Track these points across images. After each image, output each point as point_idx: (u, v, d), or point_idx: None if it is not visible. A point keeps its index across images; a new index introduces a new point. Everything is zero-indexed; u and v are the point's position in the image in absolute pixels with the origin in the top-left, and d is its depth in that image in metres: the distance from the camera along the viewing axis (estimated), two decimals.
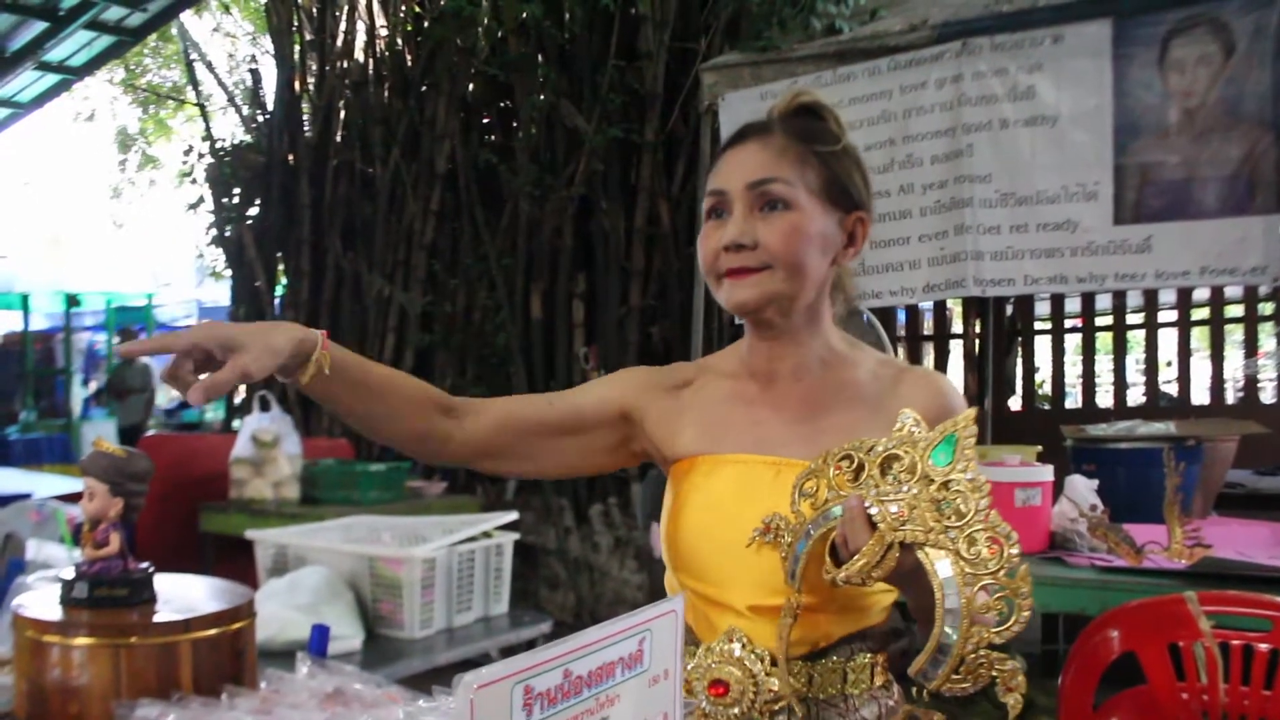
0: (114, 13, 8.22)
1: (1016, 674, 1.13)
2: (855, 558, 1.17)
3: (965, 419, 1.18)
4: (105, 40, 8.76)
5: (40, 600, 1.43)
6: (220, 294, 10.93)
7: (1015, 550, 1.12)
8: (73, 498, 3.14)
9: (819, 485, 1.26)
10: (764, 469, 1.41)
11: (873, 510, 1.17)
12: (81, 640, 1.32)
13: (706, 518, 1.42)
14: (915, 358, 7.33)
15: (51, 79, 9.35)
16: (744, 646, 1.35)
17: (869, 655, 1.41)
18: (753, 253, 1.38)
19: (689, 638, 1.45)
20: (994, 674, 1.13)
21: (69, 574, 1.42)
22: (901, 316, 7.24)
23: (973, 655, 1.12)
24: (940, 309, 7.48)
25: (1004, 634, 1.11)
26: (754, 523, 1.32)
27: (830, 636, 1.39)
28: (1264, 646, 1.85)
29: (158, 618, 1.38)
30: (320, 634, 1.62)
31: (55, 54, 8.61)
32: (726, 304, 1.42)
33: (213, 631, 1.38)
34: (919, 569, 1.15)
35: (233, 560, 3.64)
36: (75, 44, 8.63)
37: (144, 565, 1.44)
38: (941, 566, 1.13)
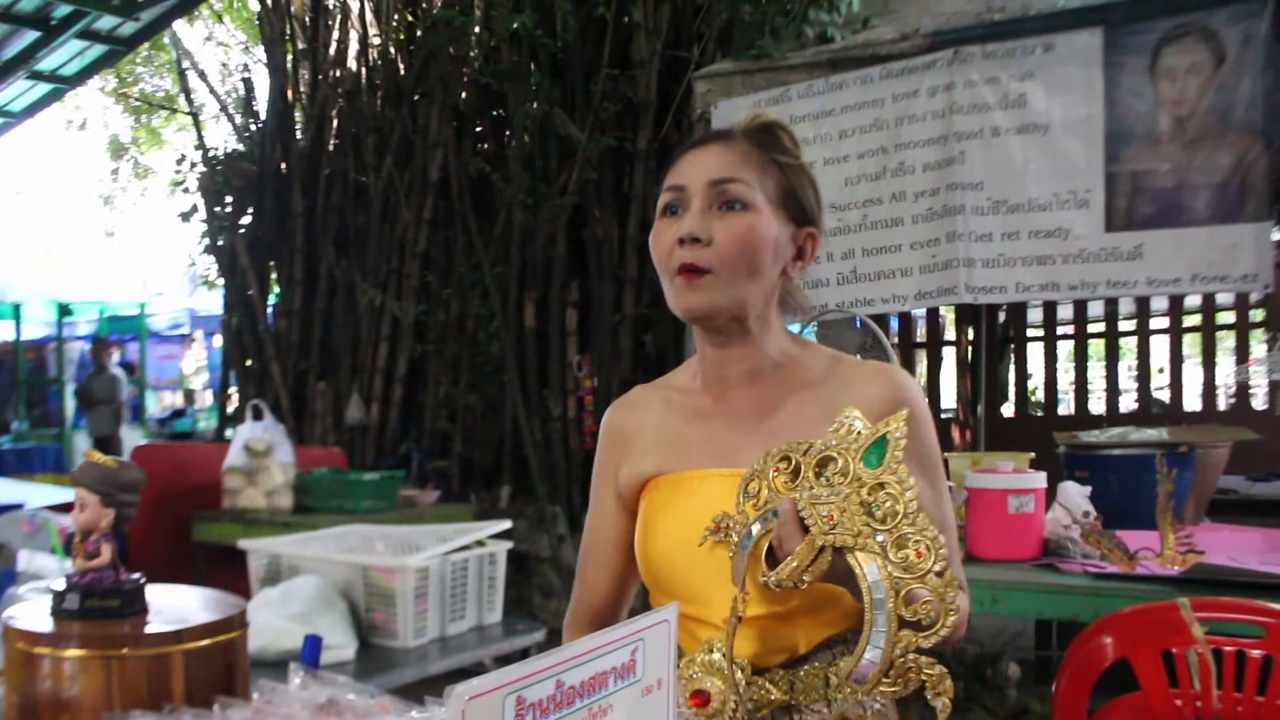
0: (106, 22, 8.19)
1: (945, 678, 1.14)
2: (786, 560, 1.18)
3: (897, 419, 1.18)
4: (97, 49, 8.74)
5: (31, 611, 1.42)
6: (213, 303, 10.89)
7: (943, 554, 1.12)
8: (65, 508, 3.13)
9: (761, 486, 1.26)
10: (724, 481, 1.40)
11: (804, 513, 1.17)
12: (73, 652, 1.31)
13: (674, 536, 1.43)
14: (908, 365, 7.33)
15: (43, 88, 9.33)
16: (724, 656, 1.35)
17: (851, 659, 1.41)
18: (706, 249, 1.39)
19: None
20: (922, 677, 1.14)
21: (60, 585, 1.42)
22: (894, 324, 7.25)
23: (901, 659, 1.13)
24: (933, 316, 7.50)
25: (931, 638, 1.12)
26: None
27: (808, 642, 1.39)
28: (1257, 653, 1.85)
29: (149, 629, 1.37)
30: (312, 644, 1.62)
31: (47, 63, 8.58)
32: (677, 308, 1.44)
33: (205, 642, 1.37)
34: (850, 572, 1.15)
35: (226, 570, 3.63)
36: (67, 53, 8.61)
37: (135, 576, 1.44)
38: (870, 570, 1.13)
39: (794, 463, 1.23)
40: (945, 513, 1.45)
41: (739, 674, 1.33)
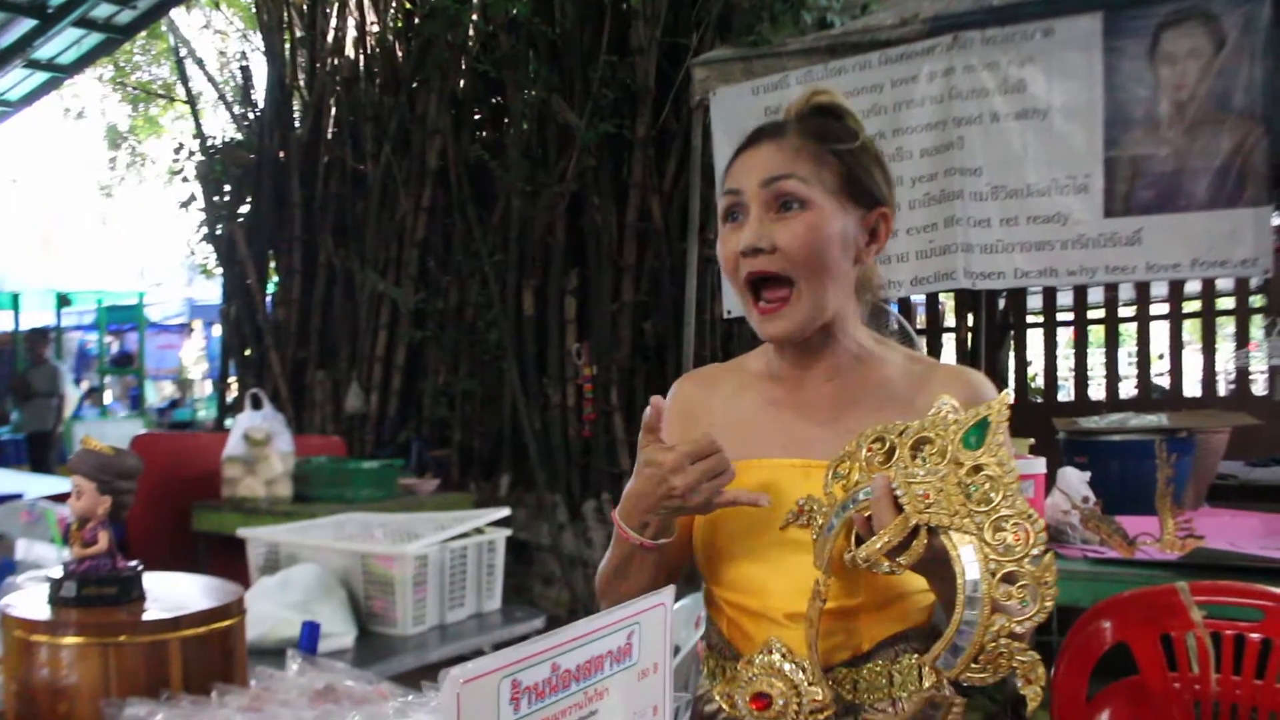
0: (103, 10, 8.17)
1: (1036, 665, 1.10)
2: (876, 537, 1.15)
3: (999, 403, 1.16)
4: (95, 38, 8.72)
5: (28, 599, 1.42)
6: (211, 292, 10.87)
7: (1041, 538, 1.09)
8: (64, 498, 3.13)
9: (851, 467, 1.25)
10: (793, 472, 1.39)
11: (899, 491, 1.15)
12: (70, 639, 1.31)
13: (736, 525, 1.41)
14: None
15: (40, 77, 9.31)
16: (784, 656, 1.33)
17: (914, 656, 1.38)
18: (770, 256, 1.36)
19: (727, 652, 1.43)
20: (1014, 664, 1.10)
21: (57, 573, 1.42)
22: (894, 310, 7.23)
23: (993, 644, 1.10)
24: (933, 303, 7.49)
25: (1026, 623, 1.09)
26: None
27: (872, 639, 1.37)
28: (1256, 636, 1.85)
29: (147, 616, 1.37)
30: (310, 631, 1.62)
31: (44, 52, 8.57)
32: (764, 336, 1.42)
33: (202, 629, 1.37)
34: (943, 554, 1.13)
35: (226, 559, 3.63)
36: (64, 41, 8.60)
37: (133, 563, 1.44)
38: (965, 551, 1.11)
39: (888, 443, 1.21)
40: None
41: (802, 673, 1.31)
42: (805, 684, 1.30)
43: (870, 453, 1.23)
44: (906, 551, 1.15)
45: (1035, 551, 1.09)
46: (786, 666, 1.31)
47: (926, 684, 1.38)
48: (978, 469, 1.13)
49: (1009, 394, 1.17)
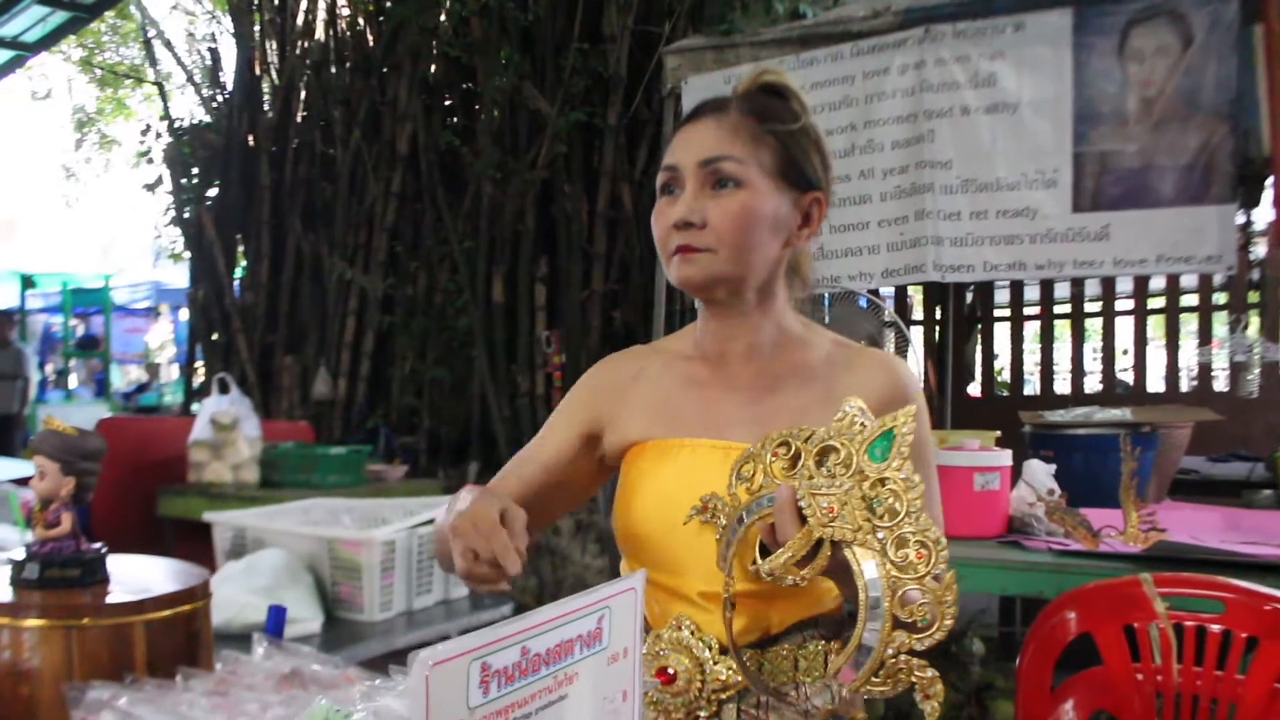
0: None
1: (935, 681, 1.12)
2: (781, 550, 1.15)
3: (905, 415, 1.14)
4: (60, 15, 8.63)
5: None
6: (178, 276, 10.74)
7: (944, 557, 1.09)
8: (27, 481, 3.10)
9: (756, 470, 1.24)
10: (713, 453, 1.39)
11: (804, 503, 1.14)
12: (32, 621, 1.30)
13: (656, 503, 1.41)
14: (875, 344, 7.36)
15: (4, 55, 9.20)
16: (693, 634, 1.34)
17: (822, 642, 1.40)
18: (700, 232, 1.38)
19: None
20: (913, 680, 1.11)
21: (20, 555, 1.40)
22: (862, 303, 7.26)
23: (892, 659, 1.11)
24: (901, 296, 7.52)
25: (925, 640, 1.10)
26: None
27: (781, 623, 1.38)
28: (1216, 628, 1.88)
29: (110, 598, 1.36)
30: (276, 614, 1.61)
31: (8, 29, 8.47)
32: (675, 280, 1.42)
33: (167, 613, 1.36)
34: (847, 566, 1.13)
35: (192, 544, 3.60)
36: (29, 19, 8.50)
37: (96, 545, 1.42)
38: (868, 567, 1.11)
39: (794, 449, 1.20)
40: (936, 509, 1.43)
41: (708, 651, 1.33)
42: (711, 662, 1.32)
43: (775, 457, 1.22)
44: (811, 564, 1.15)
45: (937, 570, 1.09)
46: (694, 644, 1.32)
47: (831, 669, 1.38)
48: (883, 482, 1.13)
49: (913, 409, 1.15)
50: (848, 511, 1.12)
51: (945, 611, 1.09)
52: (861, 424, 1.17)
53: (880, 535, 1.11)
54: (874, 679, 1.12)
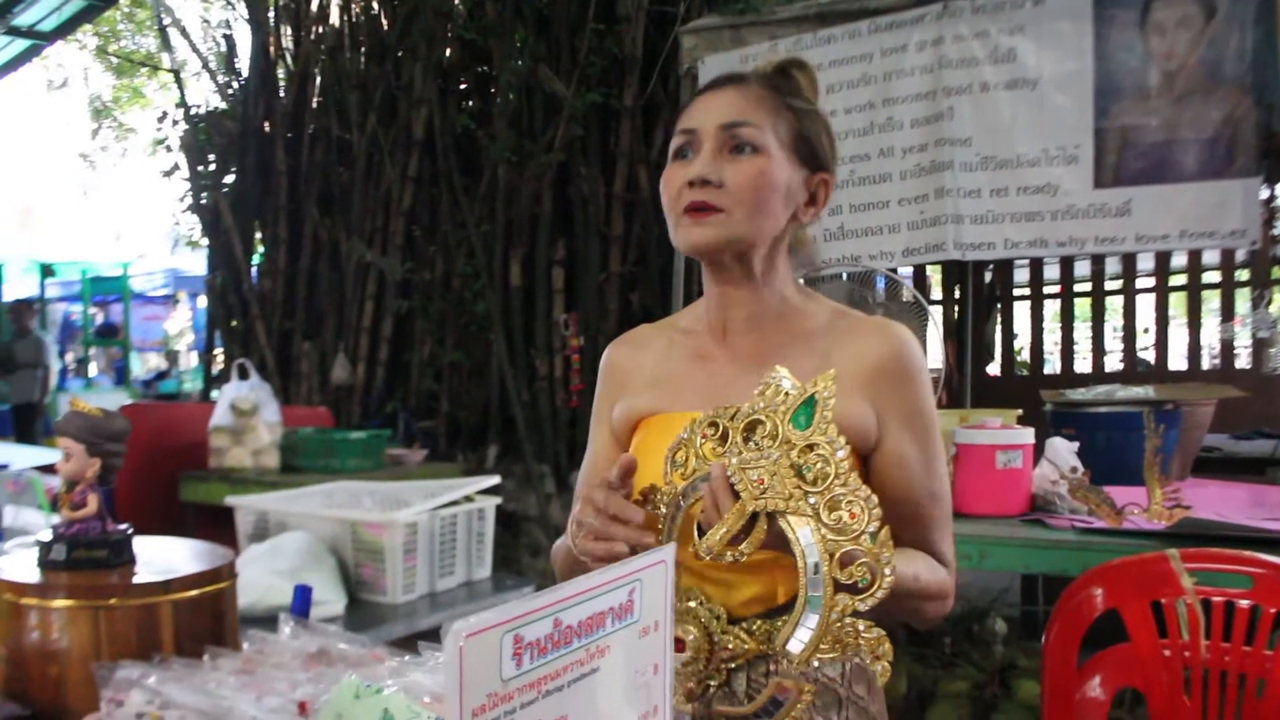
0: None
1: (883, 641, 1.12)
2: (715, 528, 1.15)
3: (825, 379, 1.15)
4: (76, 3, 8.64)
5: (18, 563, 1.41)
6: (196, 263, 10.77)
7: (876, 514, 1.10)
8: (50, 469, 3.12)
9: (688, 455, 1.24)
10: None
11: (734, 478, 1.15)
12: (60, 602, 1.30)
13: (659, 476, 1.42)
14: None
15: (21, 44, 9.22)
16: (701, 604, 1.34)
17: None
18: (717, 190, 1.38)
19: None
20: (860, 641, 1.12)
21: (47, 536, 1.41)
22: (880, 283, 7.24)
23: (838, 624, 1.11)
24: (920, 275, 7.49)
25: (868, 600, 1.10)
26: None
27: (788, 592, 1.36)
28: (1245, 603, 1.87)
29: (137, 579, 1.36)
30: (303, 594, 1.61)
31: (24, 18, 8.48)
32: (682, 244, 1.42)
33: (194, 592, 1.37)
34: (784, 538, 1.13)
35: (213, 530, 3.60)
36: (45, 8, 8.51)
37: (123, 526, 1.43)
38: (803, 534, 1.12)
39: (721, 428, 1.21)
40: (935, 484, 1.42)
41: (716, 621, 1.33)
42: (719, 632, 1.32)
43: (704, 439, 1.22)
44: (748, 539, 1.15)
45: (871, 529, 1.10)
46: (702, 613, 1.32)
47: (779, 643, 1.39)
48: (810, 448, 1.13)
49: (833, 374, 1.16)
50: (777, 481, 1.13)
51: (883, 569, 1.09)
52: (787, 393, 1.18)
53: (813, 500, 1.12)
54: (822, 646, 1.12)
